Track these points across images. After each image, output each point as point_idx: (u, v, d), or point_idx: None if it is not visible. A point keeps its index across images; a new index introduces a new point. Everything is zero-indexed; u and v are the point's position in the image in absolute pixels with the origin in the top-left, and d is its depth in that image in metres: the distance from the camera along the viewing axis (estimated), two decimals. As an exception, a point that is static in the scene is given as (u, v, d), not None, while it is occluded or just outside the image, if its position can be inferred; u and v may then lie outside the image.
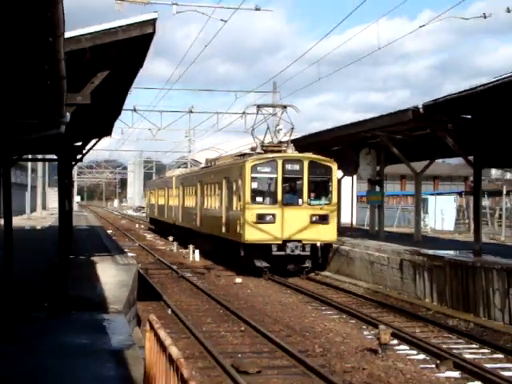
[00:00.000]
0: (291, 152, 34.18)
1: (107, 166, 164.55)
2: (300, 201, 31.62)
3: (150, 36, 13.94)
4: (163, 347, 6.06)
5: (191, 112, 60.09)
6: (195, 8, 25.03)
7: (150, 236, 65.51)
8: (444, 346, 18.14)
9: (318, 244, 31.90)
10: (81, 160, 32.24)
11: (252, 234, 30.47)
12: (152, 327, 6.75)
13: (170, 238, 55.58)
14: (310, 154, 33.23)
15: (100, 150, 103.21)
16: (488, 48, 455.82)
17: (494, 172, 64.01)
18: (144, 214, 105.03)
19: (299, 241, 31.08)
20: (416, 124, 26.85)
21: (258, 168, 31.25)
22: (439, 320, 22.44)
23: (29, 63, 8.44)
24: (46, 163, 66.33)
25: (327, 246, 33.69)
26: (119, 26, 13.38)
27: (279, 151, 34.00)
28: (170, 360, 5.71)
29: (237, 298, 26.30)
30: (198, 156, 77.18)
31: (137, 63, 16.20)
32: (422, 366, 16.34)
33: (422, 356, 17.28)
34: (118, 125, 30.44)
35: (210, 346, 17.52)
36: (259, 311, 23.29)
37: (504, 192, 55.90)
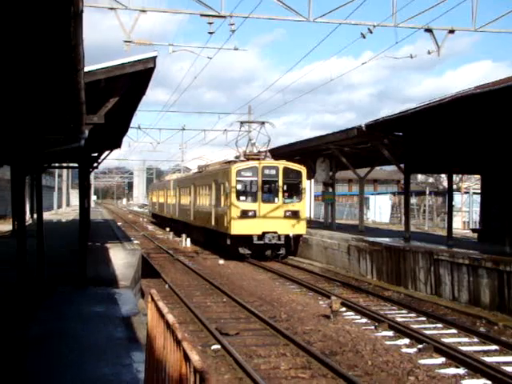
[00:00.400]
0: (269, 160, 33.81)
1: (117, 171, 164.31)
2: (276, 199, 31.31)
3: (152, 70, 13.94)
4: (161, 315, 6.05)
5: (183, 129, 60.20)
6: (186, 48, 25.00)
7: (151, 227, 65.25)
8: (381, 312, 18.26)
9: (291, 235, 31.66)
10: (96, 167, 32.19)
11: (237, 227, 30.15)
12: (153, 299, 6.73)
13: (167, 229, 55.25)
14: (284, 161, 32.88)
15: (111, 159, 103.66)
16: (414, 80, 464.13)
17: (420, 176, 64.34)
18: (146, 210, 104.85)
19: (275, 232, 30.64)
20: (360, 139, 26.90)
21: (242, 172, 30.95)
22: (377, 292, 22.55)
23: (56, 92, 8.41)
24: (70, 170, 65.85)
25: (298, 237, 33.39)
26: (127, 62, 13.37)
27: (259, 159, 33.59)
28: (167, 325, 5.70)
29: (220, 276, 26.27)
30: (189, 164, 76.75)
31: (141, 91, 16.17)
32: (364, 327, 16.43)
33: (364, 320, 17.37)
34: (125, 139, 30.26)
35: (199, 313, 17.55)
36: (237, 286, 23.29)
37: (427, 192, 56.96)
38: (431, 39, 23.26)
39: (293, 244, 33.78)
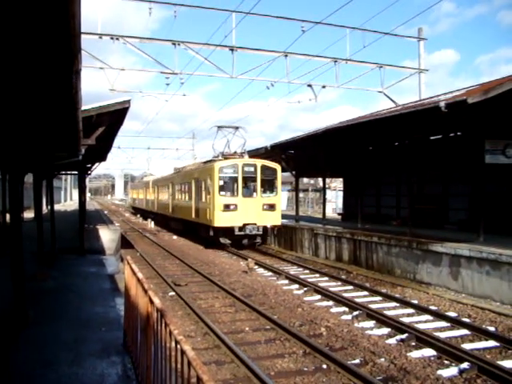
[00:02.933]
0: (247, 158, 26.81)
1: (104, 176, 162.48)
2: (255, 194, 24.69)
3: (127, 109, 13.74)
4: (134, 273, 6.02)
5: (149, 148, 60.95)
6: (151, 94, 24.80)
7: (127, 215, 63.86)
8: (280, 268, 18.47)
9: (269, 225, 24.78)
10: (90, 174, 31.28)
11: (220, 220, 23.79)
12: (128, 262, 6.68)
13: (138, 215, 54.58)
14: (261, 160, 25.64)
15: (101, 168, 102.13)
16: (302, 117, 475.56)
17: (306, 180, 65.25)
18: (124, 203, 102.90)
19: (255, 224, 24.15)
20: (267, 155, 27.02)
21: (224, 169, 24.44)
22: (278, 255, 22.78)
23: (62, 124, 8.26)
24: (72, 176, 64.36)
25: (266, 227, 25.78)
26: (111, 104, 13.16)
27: (235, 158, 26.63)
28: (138, 279, 5.68)
29: (174, 247, 26.01)
30: (153, 171, 75.38)
31: (120, 123, 15.88)
32: (269, 278, 16.58)
33: (269, 273, 17.53)
34: (109, 155, 29.42)
35: (160, 271, 17.38)
36: (186, 253, 23.12)
37: (309, 190, 57.75)
38: (311, 91, 23.94)
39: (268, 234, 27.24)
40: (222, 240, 24.14)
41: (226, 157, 26.39)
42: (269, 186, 25.21)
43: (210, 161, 27.91)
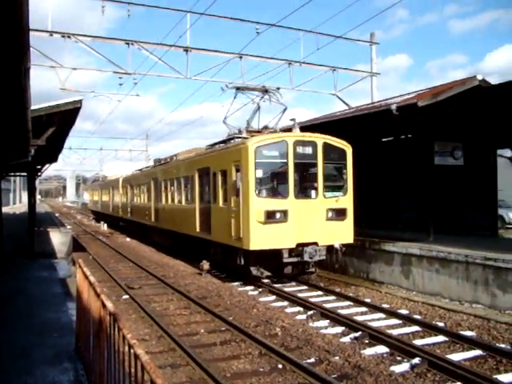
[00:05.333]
0: (298, 132, 15.51)
1: (55, 178, 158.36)
2: (313, 193, 14.56)
3: (79, 108, 13.45)
4: (86, 276, 5.90)
5: (101, 149, 59.97)
6: (104, 93, 24.38)
7: (79, 217, 62.60)
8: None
9: (337, 245, 14.46)
10: (40, 175, 30.47)
11: (258, 238, 13.71)
12: (80, 266, 6.54)
13: (90, 217, 53.55)
14: (323, 135, 14.98)
15: (51, 169, 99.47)
16: (257, 119, 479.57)
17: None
18: (75, 205, 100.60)
19: (315, 243, 14.22)
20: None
21: (264, 151, 14.13)
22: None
23: (12, 123, 8.04)
24: (21, 177, 62.67)
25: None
26: (62, 103, 12.88)
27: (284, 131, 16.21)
28: (90, 283, 5.58)
29: (128, 248, 25.65)
30: (106, 173, 74.12)
31: (72, 123, 15.55)
32: (224, 279, 16.47)
33: (224, 275, 17.40)
34: (61, 156, 28.49)
35: (113, 274, 17.12)
36: (140, 256, 22.83)
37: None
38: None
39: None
40: (256, 271, 14.72)
41: (251, 133, 16.41)
42: (335, 178, 15.45)
43: (229, 140, 17.01)
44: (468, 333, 9.93)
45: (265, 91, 17.58)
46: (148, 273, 17.64)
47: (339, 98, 25.83)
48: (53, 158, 21.42)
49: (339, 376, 7.66)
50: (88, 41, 20.00)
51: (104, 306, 4.62)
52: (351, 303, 12.79)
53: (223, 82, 22.58)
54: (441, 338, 9.64)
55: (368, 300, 13.01)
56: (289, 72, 23.49)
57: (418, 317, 11.31)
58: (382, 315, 11.51)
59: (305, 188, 14.77)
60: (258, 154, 13.96)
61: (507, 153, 21.80)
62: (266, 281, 15.27)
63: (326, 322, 11.03)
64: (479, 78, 14.04)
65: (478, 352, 8.77)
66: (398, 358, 8.58)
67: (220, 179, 16.02)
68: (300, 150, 14.41)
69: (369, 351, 8.91)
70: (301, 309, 12.21)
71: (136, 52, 20.97)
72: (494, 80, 14.66)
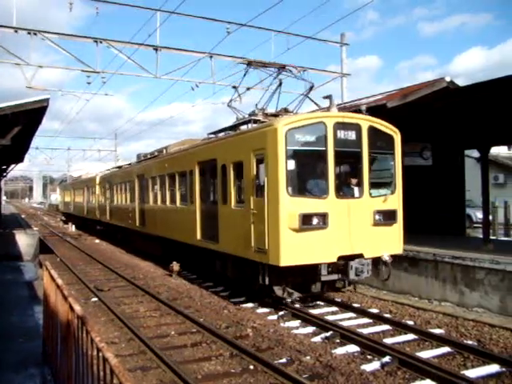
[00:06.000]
0: (336, 111, 11.55)
1: (21, 179, 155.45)
2: (357, 191, 11.30)
3: (45, 107, 13.24)
4: (53, 279, 5.79)
5: (69, 149, 58.94)
6: (71, 92, 24.00)
7: (47, 218, 61.43)
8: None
9: (386, 256, 11.25)
10: (5, 176, 29.83)
11: (293, 252, 10.13)
12: (47, 268, 6.42)
13: (58, 218, 52.61)
14: (367, 116, 11.63)
15: (17, 170, 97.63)
16: (231, 119, 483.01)
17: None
18: (42, 206, 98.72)
19: (361, 255, 10.93)
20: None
21: (298, 136, 10.39)
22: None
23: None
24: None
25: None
26: (28, 102, 12.65)
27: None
28: (57, 286, 5.48)
29: (96, 251, 25.29)
30: (73, 173, 72.87)
31: (38, 122, 15.31)
32: (195, 281, 16.39)
33: (194, 276, 17.30)
34: (27, 156, 27.57)
35: (82, 277, 16.88)
36: (109, 257, 22.57)
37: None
38: (236, 92, 24.02)
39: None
40: (282, 292, 11.44)
41: (269, 117, 12.94)
42: (382, 172, 12.33)
43: (242, 124, 13.75)
44: (437, 330, 10.11)
45: (282, 67, 14.14)
46: (117, 275, 17.43)
47: (310, 99, 25.93)
48: (19, 158, 21.01)
49: (311, 376, 7.70)
50: (55, 38, 19.63)
51: (72, 309, 4.53)
52: (322, 303, 12.86)
53: (193, 82, 22.56)
54: (410, 336, 9.78)
55: (338, 300, 13.11)
56: (258, 72, 23.48)
57: (388, 315, 11.44)
58: (352, 314, 11.61)
59: (347, 184, 11.52)
60: (290, 139, 10.42)
61: (474, 153, 22.24)
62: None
63: (297, 323, 11.07)
64: (447, 79, 14.34)
65: (446, 349, 8.93)
66: (369, 357, 8.67)
67: (232, 174, 12.53)
68: (341, 134, 10.97)
69: (340, 350, 8.98)
70: (272, 309, 12.22)
71: (105, 50, 20.71)
72: (461, 82, 14.96)
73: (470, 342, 9.33)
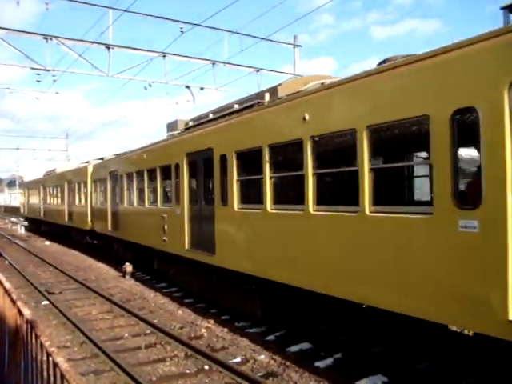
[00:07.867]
0: None
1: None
2: None
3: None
4: (1, 283, 5.61)
5: (18, 149, 57.27)
6: (20, 90, 23.33)
7: (-6, 219, 59.47)
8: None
9: None
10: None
11: None
12: (-5, 272, 6.22)
13: (6, 220, 51.00)
14: None
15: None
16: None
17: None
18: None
19: None
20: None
21: None
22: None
23: None
24: None
25: None
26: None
27: None
28: (5, 290, 5.31)
29: (47, 253, 24.62)
30: (23, 174, 70.60)
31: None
32: (148, 282, 16.13)
33: (148, 277, 17.05)
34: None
35: (32, 280, 16.45)
36: (60, 259, 22.03)
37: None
38: (190, 92, 23.97)
39: None
40: None
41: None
42: None
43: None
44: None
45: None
46: (69, 277, 17.06)
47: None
48: (-37, 158, 20.22)
49: (265, 374, 7.75)
50: (2, 34, 19.00)
51: (20, 313, 4.40)
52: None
53: (146, 81, 22.30)
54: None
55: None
56: (213, 72, 23.46)
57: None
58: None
59: None
60: None
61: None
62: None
63: (250, 322, 11.10)
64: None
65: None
66: (322, 354, 8.78)
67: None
68: None
69: (293, 348, 9.06)
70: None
71: (55, 48, 20.14)
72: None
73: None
